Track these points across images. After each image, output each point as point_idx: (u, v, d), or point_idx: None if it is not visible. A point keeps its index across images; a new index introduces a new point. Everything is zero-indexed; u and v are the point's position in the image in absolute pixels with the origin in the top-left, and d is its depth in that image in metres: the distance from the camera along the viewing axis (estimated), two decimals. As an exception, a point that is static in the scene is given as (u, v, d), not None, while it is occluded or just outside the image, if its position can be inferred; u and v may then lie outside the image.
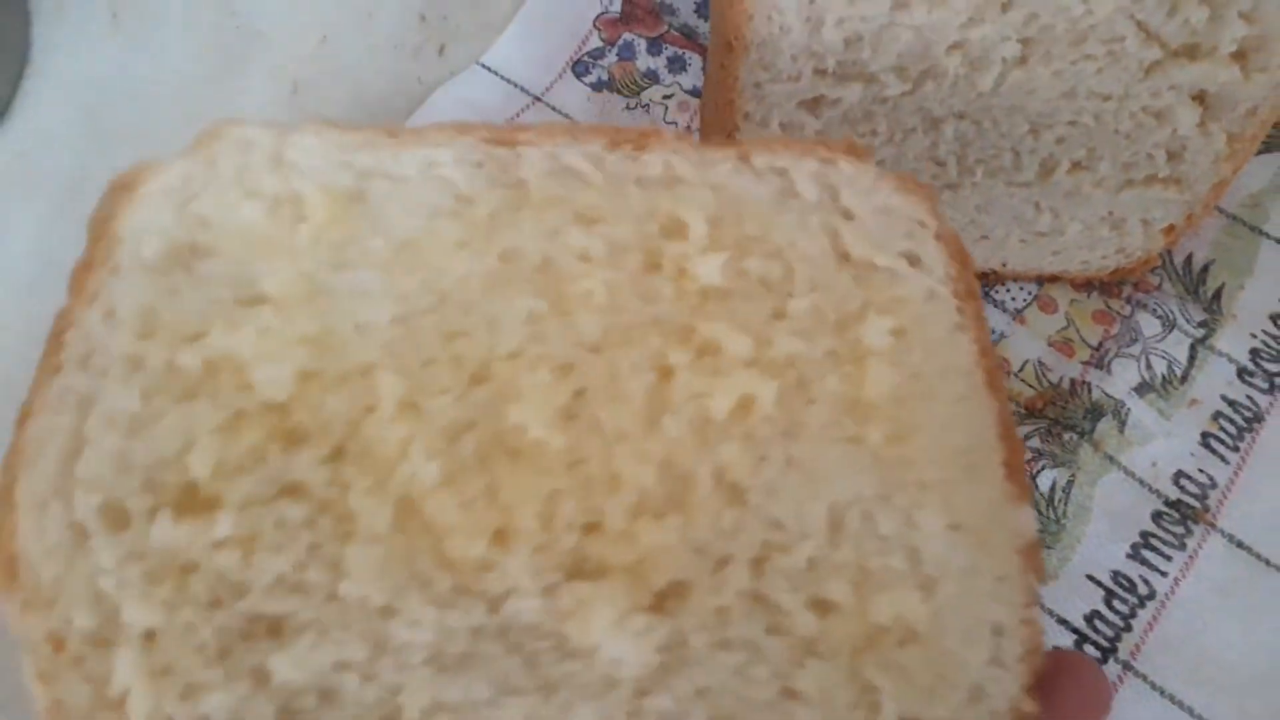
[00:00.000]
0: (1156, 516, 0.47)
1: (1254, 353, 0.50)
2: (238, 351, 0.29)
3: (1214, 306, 0.51)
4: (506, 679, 0.28)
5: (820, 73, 0.41)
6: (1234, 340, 0.50)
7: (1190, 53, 0.40)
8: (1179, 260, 0.52)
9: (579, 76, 0.57)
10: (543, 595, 0.28)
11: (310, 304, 0.29)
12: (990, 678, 0.29)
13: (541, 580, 0.28)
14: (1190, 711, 0.43)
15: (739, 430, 0.30)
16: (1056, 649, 0.31)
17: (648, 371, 0.30)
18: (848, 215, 0.33)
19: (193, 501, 0.28)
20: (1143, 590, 0.45)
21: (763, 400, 0.30)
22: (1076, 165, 0.45)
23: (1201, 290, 0.52)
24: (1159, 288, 0.52)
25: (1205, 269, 0.52)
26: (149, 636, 0.27)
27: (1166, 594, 0.45)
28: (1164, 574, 0.46)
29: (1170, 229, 0.48)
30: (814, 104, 0.43)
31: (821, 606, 0.29)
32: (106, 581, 0.27)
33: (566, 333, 0.30)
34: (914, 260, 0.33)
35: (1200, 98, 0.41)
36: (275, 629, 0.27)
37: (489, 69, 0.57)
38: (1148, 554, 0.46)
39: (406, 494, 0.28)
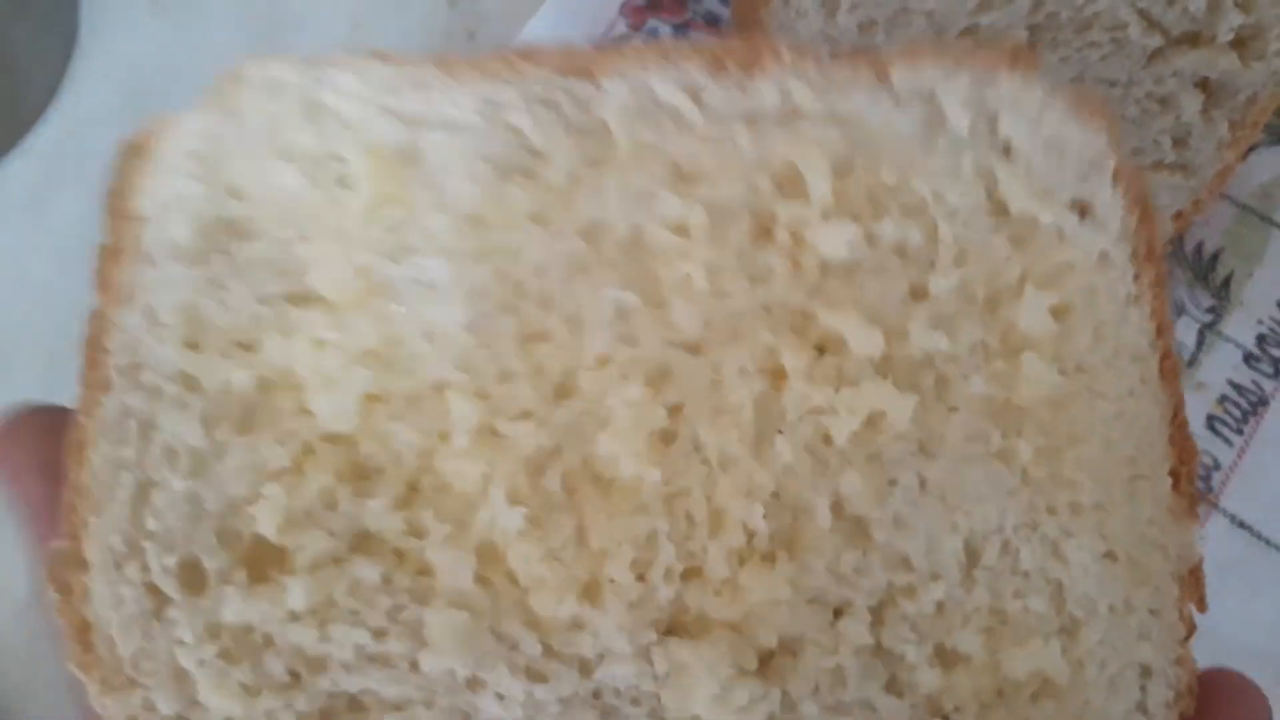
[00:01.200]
0: (1160, 496, 0.48)
1: (1260, 339, 0.51)
2: (293, 369, 0.25)
3: (1223, 293, 0.52)
4: None
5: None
6: (1241, 326, 0.51)
7: (1191, 40, 0.41)
8: (1189, 248, 0.53)
9: (604, 63, 0.58)
10: (638, 658, 0.25)
11: (369, 305, 0.25)
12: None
13: (636, 640, 0.25)
14: (1188, 685, 0.44)
15: (864, 452, 0.25)
16: (1214, 670, 0.27)
17: (756, 377, 0.25)
18: (1008, 152, 0.26)
19: (262, 560, 0.25)
20: (1145, 567, 0.46)
21: (895, 417, 0.25)
22: (1085, 151, 0.46)
23: (1211, 277, 0.52)
24: (1169, 274, 0.53)
25: (1215, 256, 0.53)
26: None
27: (1168, 571, 0.46)
28: (1166, 552, 0.47)
29: (1179, 215, 0.49)
30: (828, 88, 0.44)
31: (948, 658, 0.26)
32: (186, 658, 0.24)
33: (660, 330, 0.25)
34: (1085, 210, 0.26)
35: (1202, 85, 0.43)
36: (356, 706, 0.25)
37: (517, 55, 0.59)
38: (1151, 532, 0.47)
39: (488, 541, 0.25)
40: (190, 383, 0.25)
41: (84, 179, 0.58)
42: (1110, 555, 0.26)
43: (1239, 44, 0.41)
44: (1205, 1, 0.39)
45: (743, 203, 0.26)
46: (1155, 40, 0.41)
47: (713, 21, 0.58)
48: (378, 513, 0.25)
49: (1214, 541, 0.47)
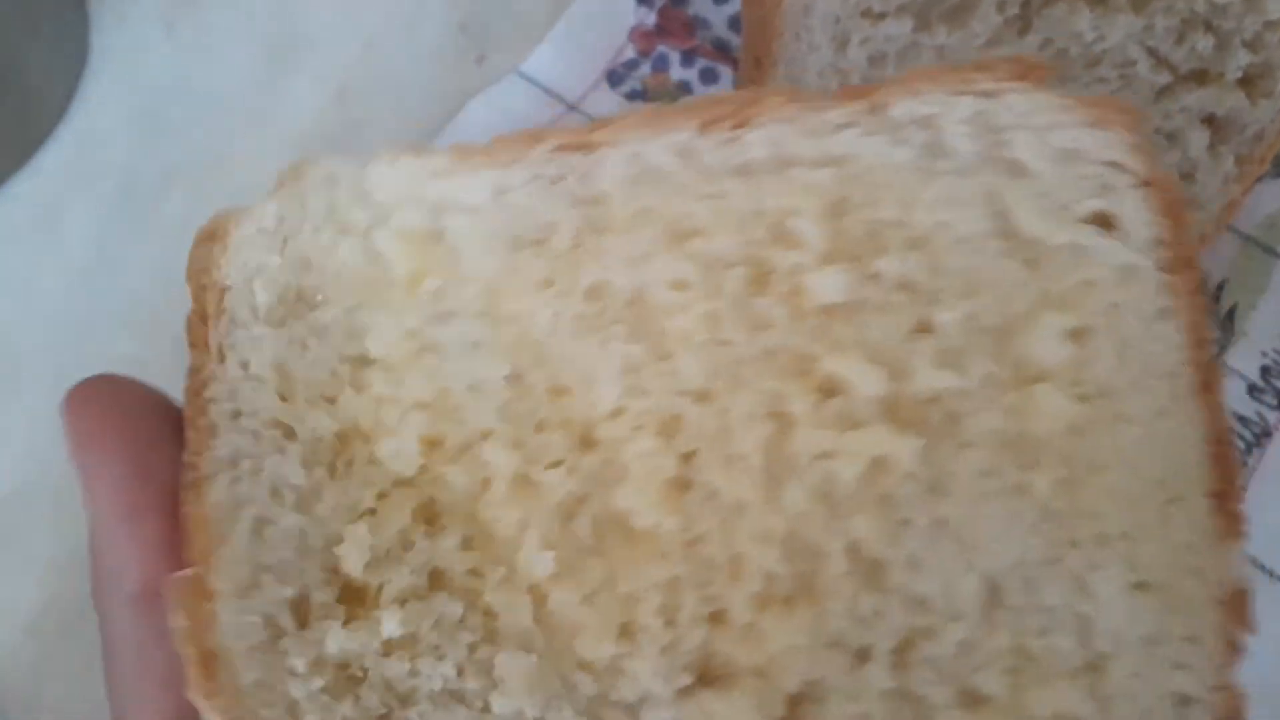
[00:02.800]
0: (1165, 527, 0.48)
1: (1264, 370, 0.51)
2: (361, 420, 0.27)
3: (1227, 324, 0.52)
4: None
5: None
6: (1245, 357, 0.51)
7: (1199, 78, 0.41)
8: (1194, 279, 0.54)
9: (613, 86, 0.59)
10: (675, 701, 0.25)
11: (421, 363, 0.27)
12: None
13: (672, 684, 0.25)
14: (1192, 717, 0.44)
15: (874, 493, 0.25)
16: None
17: (764, 423, 0.26)
18: (1018, 171, 0.26)
19: (356, 596, 0.26)
20: (1149, 599, 0.46)
21: (901, 458, 0.25)
22: (1093, 183, 0.47)
23: (1215, 309, 0.53)
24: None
25: (1219, 288, 0.53)
26: None
27: (1172, 602, 0.47)
28: (1171, 583, 0.47)
29: (1184, 247, 0.49)
30: (838, 119, 0.44)
31: (972, 699, 0.25)
32: (298, 690, 0.25)
33: (668, 380, 0.26)
34: (1108, 223, 0.25)
35: (1209, 121, 0.43)
36: None
37: (526, 78, 0.59)
38: (1155, 563, 0.47)
39: (535, 585, 0.26)
40: (286, 430, 0.27)
41: (94, 198, 0.59)
42: (1141, 585, 0.25)
43: (1247, 82, 0.41)
44: (1214, 40, 0.39)
45: (739, 254, 0.26)
46: (1164, 77, 0.41)
47: (722, 48, 0.59)
48: (448, 552, 0.26)
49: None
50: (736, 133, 0.26)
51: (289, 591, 0.26)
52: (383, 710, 0.25)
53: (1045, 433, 0.25)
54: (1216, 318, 0.52)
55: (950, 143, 0.26)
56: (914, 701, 0.25)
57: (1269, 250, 0.54)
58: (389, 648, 0.26)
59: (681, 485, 0.26)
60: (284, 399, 0.27)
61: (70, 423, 0.27)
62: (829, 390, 0.26)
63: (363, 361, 0.28)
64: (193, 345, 0.28)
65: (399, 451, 0.27)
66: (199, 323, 0.28)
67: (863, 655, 0.25)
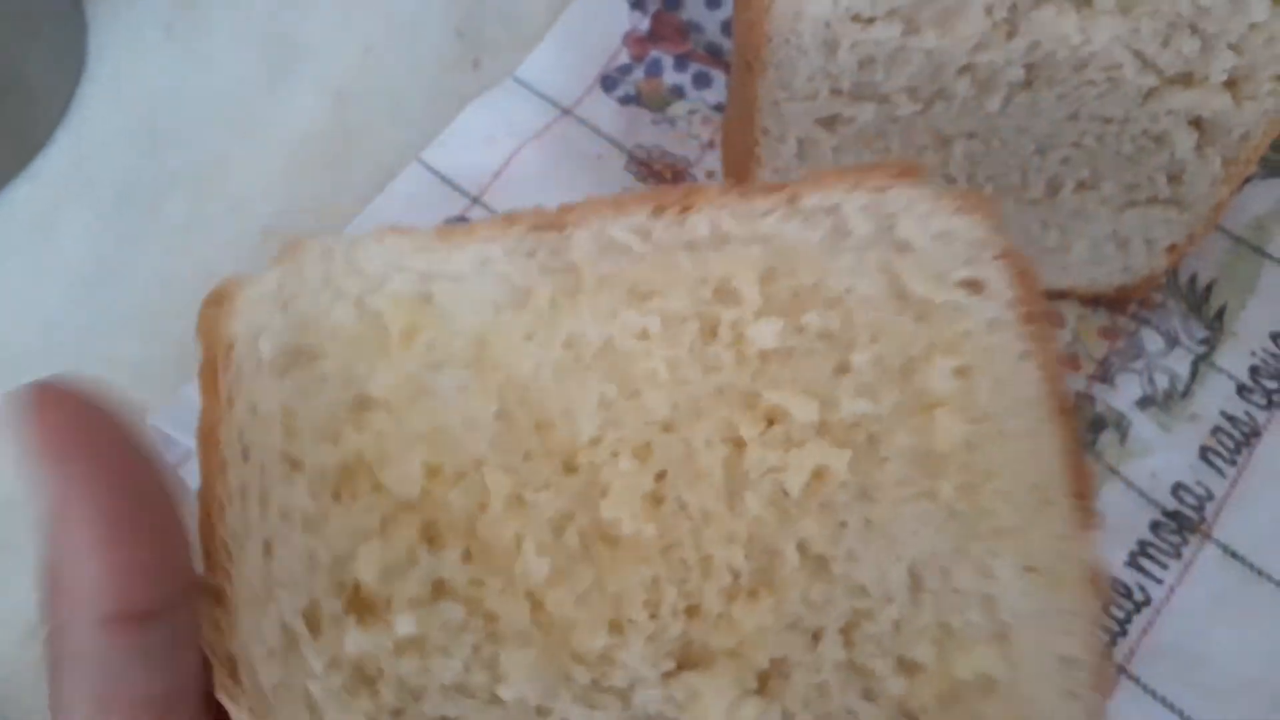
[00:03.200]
0: (1154, 526, 0.48)
1: (1253, 370, 0.51)
2: (365, 453, 0.30)
3: (1216, 324, 0.53)
4: None
5: (836, 92, 0.43)
6: (1234, 357, 0.52)
7: (1185, 80, 0.41)
8: (1183, 279, 0.54)
9: (608, 91, 0.59)
10: (662, 683, 0.29)
11: (418, 405, 0.30)
12: (1064, 710, 0.30)
13: (658, 669, 0.29)
14: (1182, 715, 0.45)
15: (816, 500, 0.31)
16: None
17: (721, 446, 0.31)
18: (904, 248, 0.32)
19: (367, 605, 0.29)
20: (1139, 597, 0.47)
21: (835, 469, 0.31)
22: (1081, 185, 0.47)
23: (1204, 308, 0.53)
24: (1163, 305, 0.53)
25: (1209, 288, 0.54)
26: None
27: (1162, 601, 0.47)
28: (1160, 582, 0.47)
29: (1172, 248, 0.50)
30: (830, 122, 0.45)
31: (909, 668, 0.30)
32: (316, 689, 0.27)
33: (639, 413, 0.31)
34: (976, 287, 0.32)
35: (1196, 123, 0.43)
36: None
37: (522, 83, 0.59)
38: (1145, 562, 0.48)
39: (531, 590, 0.29)
40: (293, 463, 0.30)
41: (92, 202, 0.59)
42: (1030, 569, 0.31)
43: (1232, 84, 0.41)
44: (1199, 43, 0.40)
45: (690, 311, 0.32)
46: (1150, 80, 0.41)
47: (714, 52, 0.59)
48: (451, 565, 0.30)
49: (1207, 572, 0.47)
50: (682, 216, 0.33)
51: (301, 602, 0.28)
52: (398, 705, 0.28)
53: (946, 448, 0.31)
54: (1206, 317, 0.53)
55: (851, 225, 0.32)
56: (862, 672, 0.30)
57: (1258, 250, 0.54)
58: (401, 648, 0.28)
59: (656, 499, 0.31)
60: (290, 436, 0.30)
61: (39, 427, 0.25)
62: (772, 418, 0.31)
63: (363, 404, 0.31)
64: (204, 393, 0.30)
65: (402, 477, 0.30)
66: (209, 373, 0.30)
67: (817, 635, 0.30)
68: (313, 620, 0.28)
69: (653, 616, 0.30)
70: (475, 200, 0.56)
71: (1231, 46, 0.40)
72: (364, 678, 0.28)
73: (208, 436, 0.29)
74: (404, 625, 0.28)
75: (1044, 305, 0.32)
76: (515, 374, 0.31)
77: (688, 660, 0.30)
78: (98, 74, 0.62)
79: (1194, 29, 0.40)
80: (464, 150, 0.57)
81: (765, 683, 0.30)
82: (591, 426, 0.31)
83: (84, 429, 0.26)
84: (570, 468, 0.31)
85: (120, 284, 0.56)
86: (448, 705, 0.28)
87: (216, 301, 0.31)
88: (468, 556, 0.30)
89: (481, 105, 0.58)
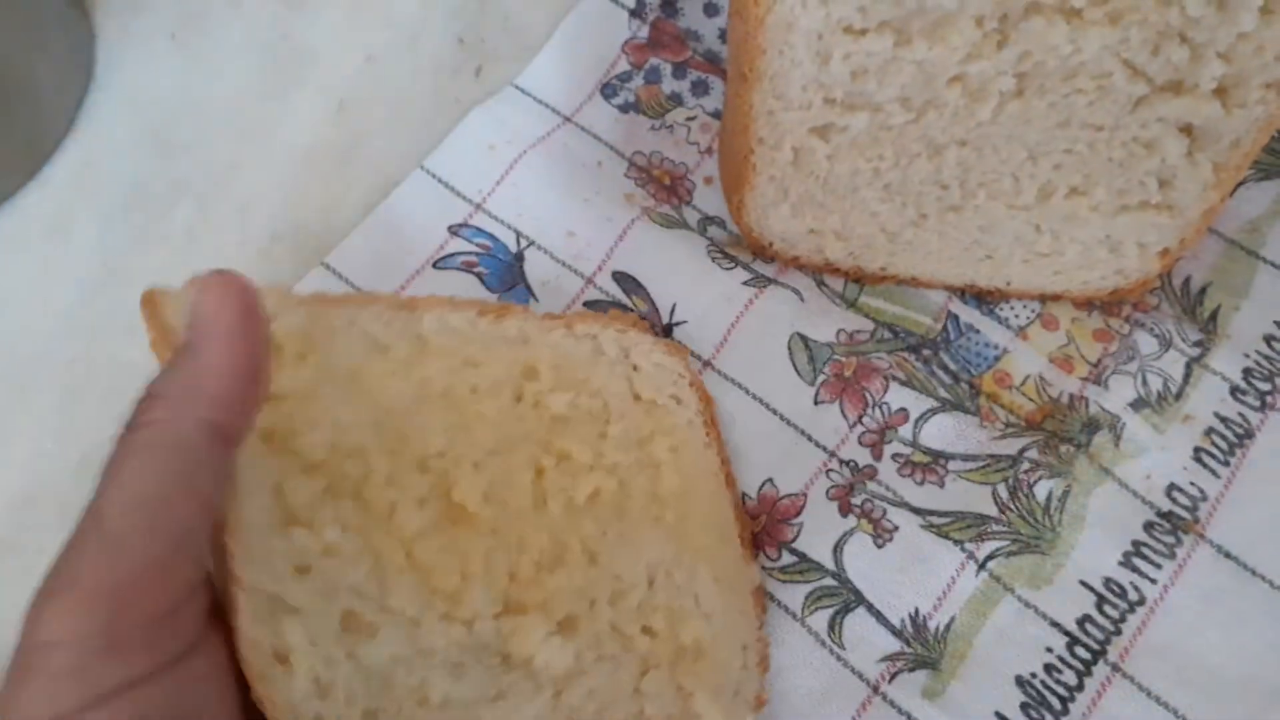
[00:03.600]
0: (1148, 526, 0.49)
1: (1247, 372, 0.52)
2: (279, 426, 0.37)
3: (1210, 327, 0.53)
4: (484, 682, 0.38)
5: (829, 102, 0.44)
6: (1228, 359, 0.52)
7: (1175, 88, 0.42)
8: (1177, 282, 0.54)
9: (607, 98, 0.60)
10: (494, 620, 0.39)
11: (314, 401, 0.38)
12: (744, 678, 0.44)
13: (491, 608, 0.39)
14: (1175, 712, 0.45)
15: (590, 513, 0.44)
16: None
17: (528, 470, 0.43)
18: (636, 368, 0.49)
19: (296, 521, 0.35)
20: (1133, 596, 0.47)
21: (604, 491, 0.44)
22: (1074, 190, 0.48)
23: (1198, 311, 0.54)
24: (1157, 308, 0.54)
25: (1203, 291, 0.54)
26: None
27: (1156, 600, 0.47)
28: (1154, 581, 0.48)
29: (1165, 252, 0.50)
30: (824, 130, 0.46)
31: (650, 633, 0.43)
32: (279, 564, 0.34)
33: (473, 439, 0.42)
34: (678, 399, 0.49)
35: (1187, 130, 0.44)
36: (367, 628, 0.35)
37: (522, 90, 0.60)
38: (1139, 562, 0.48)
39: (404, 540, 0.38)
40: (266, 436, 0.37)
41: (100, 209, 0.60)
42: (718, 579, 0.45)
43: (1222, 92, 0.42)
44: (1188, 52, 0.40)
45: (506, 380, 0.45)
46: (1140, 88, 0.42)
47: (713, 60, 0.60)
48: (347, 511, 0.37)
49: (1201, 571, 0.48)
50: (498, 320, 0.47)
51: (257, 507, 0.34)
52: (324, 588, 0.35)
53: (666, 492, 0.46)
54: (1200, 320, 0.53)
55: (605, 348, 0.49)
56: (621, 632, 0.42)
57: (1252, 253, 0.55)
58: (326, 551, 0.35)
59: (488, 497, 0.41)
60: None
61: (221, 279, 0.32)
62: (563, 455, 0.45)
63: (272, 396, 0.36)
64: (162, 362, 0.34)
65: (312, 444, 0.37)
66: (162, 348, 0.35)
67: (593, 601, 0.42)
68: (270, 521, 0.34)
69: (487, 572, 0.40)
70: (478, 207, 0.57)
71: (1220, 55, 0.40)
72: (302, 568, 0.34)
73: None
74: (331, 534, 0.35)
75: (716, 416, 0.50)
76: (381, 399, 0.41)
77: (509, 608, 0.40)
78: (106, 82, 0.63)
79: (1183, 38, 0.40)
80: (465, 157, 0.58)
81: (563, 628, 0.40)
82: (440, 442, 0.41)
83: (249, 301, 0.32)
84: (424, 469, 0.40)
85: (129, 287, 0.57)
86: (355, 601, 0.35)
87: (149, 303, 0.35)
88: (358, 509, 0.37)
89: (483, 113, 0.59)
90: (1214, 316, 0.53)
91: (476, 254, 0.56)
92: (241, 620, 0.31)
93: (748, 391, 0.52)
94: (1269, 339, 0.52)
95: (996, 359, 0.53)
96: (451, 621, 0.38)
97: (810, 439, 0.51)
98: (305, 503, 0.36)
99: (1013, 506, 0.49)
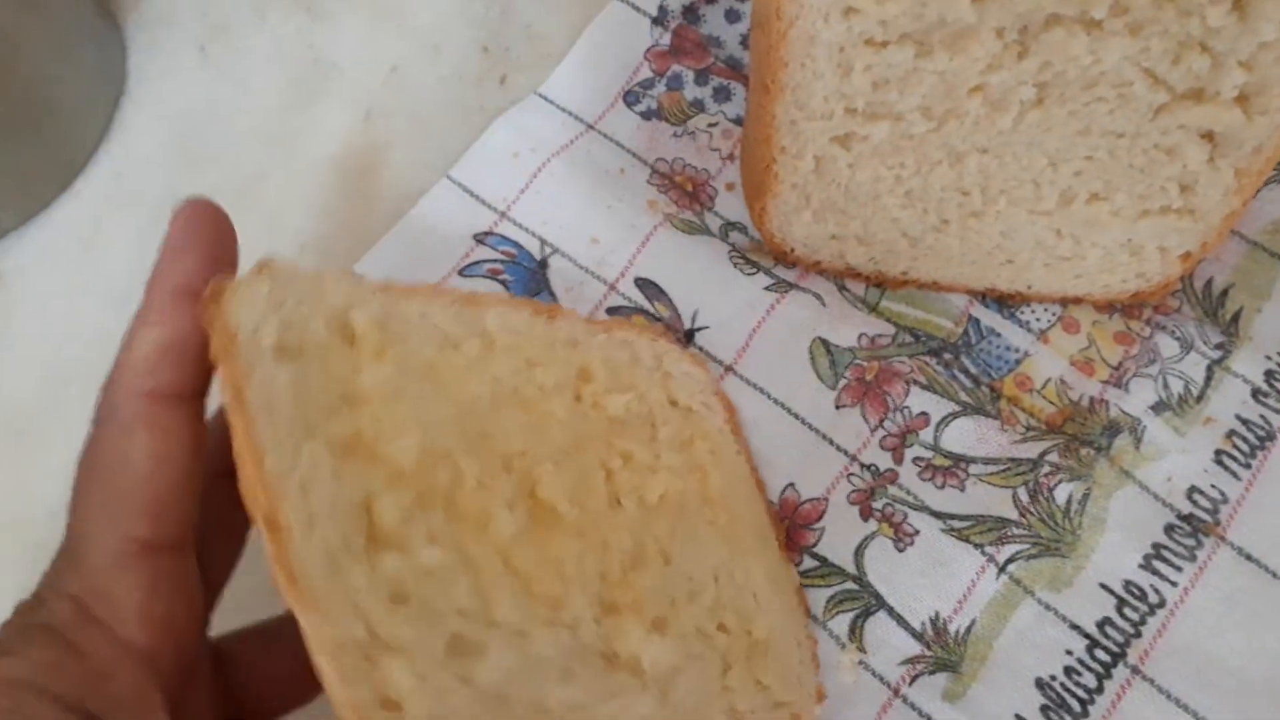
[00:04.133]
0: (1169, 529, 0.49)
1: (1269, 374, 0.52)
2: (364, 431, 0.35)
3: (1231, 329, 0.53)
4: (593, 684, 0.37)
5: (851, 112, 0.44)
6: (1250, 362, 0.52)
7: (1196, 96, 0.42)
8: (1199, 284, 0.54)
9: (630, 105, 0.60)
10: (594, 621, 0.38)
11: (398, 401, 0.36)
12: (803, 673, 0.45)
13: (591, 611, 0.38)
14: (1195, 715, 0.45)
15: (660, 514, 0.44)
16: None
17: (599, 470, 0.43)
18: (669, 375, 0.49)
19: (385, 543, 0.33)
20: (1153, 599, 0.48)
21: (673, 491, 0.45)
22: (1095, 196, 0.48)
23: (1220, 313, 0.54)
24: (1179, 311, 0.54)
25: (1225, 293, 0.54)
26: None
27: (1176, 603, 0.48)
28: (1174, 584, 0.48)
29: (1187, 255, 0.50)
30: (845, 140, 0.46)
31: (722, 628, 0.43)
32: (362, 600, 0.31)
33: (547, 439, 0.42)
34: (709, 407, 0.50)
35: (1209, 136, 0.44)
36: (475, 648, 0.33)
37: (546, 98, 0.61)
38: (1159, 564, 0.48)
39: (501, 548, 0.37)
40: (308, 427, 0.34)
41: (132, 220, 0.61)
42: (768, 577, 0.46)
43: (1243, 99, 0.42)
44: (1209, 62, 0.40)
45: (565, 380, 0.44)
46: (1161, 96, 0.42)
47: (734, 66, 0.60)
48: (438, 524, 0.35)
49: (1221, 574, 0.48)
50: (550, 321, 0.46)
51: (336, 533, 0.32)
52: (424, 620, 0.33)
53: (716, 495, 0.46)
54: (1221, 322, 0.53)
55: (641, 355, 0.49)
56: (702, 632, 0.42)
57: (1274, 255, 0.55)
58: (424, 574, 0.33)
59: (569, 496, 0.40)
60: (300, 405, 0.33)
61: (191, 207, 0.36)
62: (628, 457, 0.45)
63: (353, 397, 0.35)
64: (223, 362, 0.32)
65: (401, 450, 0.35)
66: (223, 348, 0.33)
67: (674, 600, 0.42)
68: (349, 549, 0.32)
69: (579, 574, 0.39)
70: (503, 215, 0.58)
71: (1241, 64, 0.40)
72: (397, 597, 0.32)
73: (236, 396, 0.32)
74: (429, 555, 0.33)
75: (740, 426, 0.51)
76: (459, 395, 0.39)
77: (605, 609, 0.39)
78: (136, 95, 0.64)
79: (1204, 48, 0.40)
80: (490, 166, 0.59)
81: (655, 627, 0.40)
82: (520, 441, 0.40)
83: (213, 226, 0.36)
84: (508, 469, 0.39)
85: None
86: (459, 622, 0.33)
87: (214, 297, 0.34)
88: (449, 519, 0.36)
89: (507, 121, 0.60)
90: (1236, 319, 0.53)
91: (501, 261, 0.56)
92: (331, 689, 0.28)
93: (769, 396, 0.52)
94: (1291, 341, 0.52)
95: (1017, 362, 0.54)
96: (557, 627, 0.36)
97: (832, 443, 0.51)
98: (395, 520, 0.33)
99: (1033, 510, 0.49)
